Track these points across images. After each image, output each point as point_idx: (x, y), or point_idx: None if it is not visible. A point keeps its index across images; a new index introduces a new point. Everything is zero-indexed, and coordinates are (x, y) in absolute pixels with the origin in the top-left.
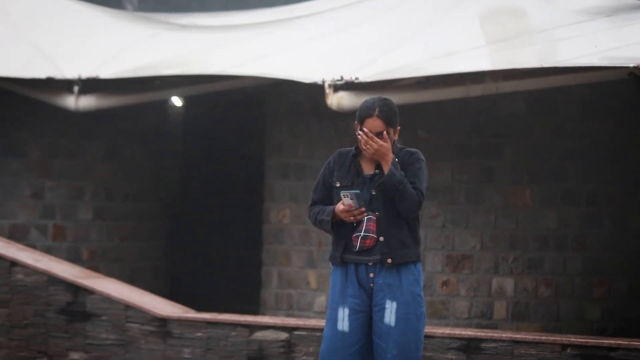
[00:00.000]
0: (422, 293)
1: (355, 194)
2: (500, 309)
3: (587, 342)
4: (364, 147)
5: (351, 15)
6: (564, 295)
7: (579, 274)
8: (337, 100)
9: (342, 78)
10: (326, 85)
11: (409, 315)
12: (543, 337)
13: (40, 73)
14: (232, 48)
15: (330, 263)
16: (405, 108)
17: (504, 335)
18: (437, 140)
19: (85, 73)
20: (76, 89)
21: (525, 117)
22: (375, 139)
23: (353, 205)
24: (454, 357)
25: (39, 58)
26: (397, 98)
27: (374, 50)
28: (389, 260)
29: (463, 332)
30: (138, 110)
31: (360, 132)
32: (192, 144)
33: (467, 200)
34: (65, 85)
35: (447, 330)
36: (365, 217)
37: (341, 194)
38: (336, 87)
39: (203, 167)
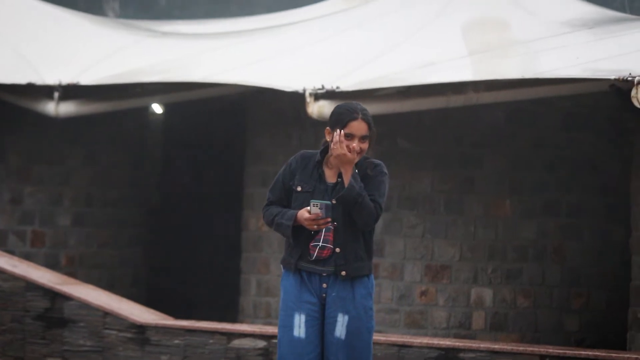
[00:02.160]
0: (373, 306)
1: (325, 204)
2: (478, 319)
3: (565, 353)
4: (333, 145)
5: (333, 24)
6: (542, 306)
7: (557, 285)
8: (318, 109)
9: (323, 87)
10: (307, 93)
11: (360, 329)
12: (521, 348)
13: (21, 79)
14: (213, 56)
15: (282, 267)
16: (386, 118)
17: (482, 345)
18: (417, 150)
19: (66, 79)
20: (56, 95)
21: (506, 128)
22: (344, 145)
23: (320, 214)
24: None
25: (20, 64)
26: (378, 107)
27: (355, 60)
28: (343, 273)
29: (441, 342)
30: (118, 117)
31: (338, 132)
32: (173, 152)
33: (447, 211)
34: (45, 91)
35: (425, 340)
36: (324, 228)
37: (311, 203)
38: (317, 96)
39: (183, 175)
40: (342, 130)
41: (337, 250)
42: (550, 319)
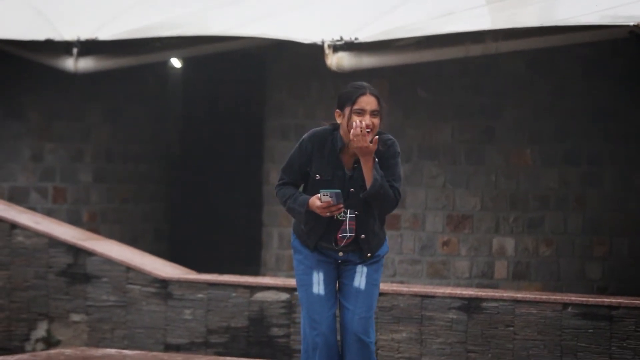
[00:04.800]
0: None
1: (336, 193)
2: (501, 269)
3: (588, 301)
4: (353, 137)
5: None
6: (564, 255)
7: (579, 233)
8: (337, 60)
9: (341, 38)
10: (326, 45)
11: (376, 281)
12: (544, 297)
13: (40, 35)
14: (231, 9)
15: (293, 233)
16: (405, 68)
17: (505, 294)
18: (437, 100)
19: (84, 35)
20: (75, 50)
21: (526, 77)
22: (366, 138)
23: (331, 202)
24: (455, 316)
25: (39, 20)
26: (396, 58)
27: (373, 11)
28: (369, 255)
29: (464, 292)
30: (138, 72)
31: (357, 123)
32: (192, 106)
33: (468, 161)
34: (64, 47)
35: (448, 290)
36: (348, 216)
37: (321, 192)
38: (336, 48)
39: (203, 129)
40: (360, 120)
41: (362, 236)
42: (572, 267)
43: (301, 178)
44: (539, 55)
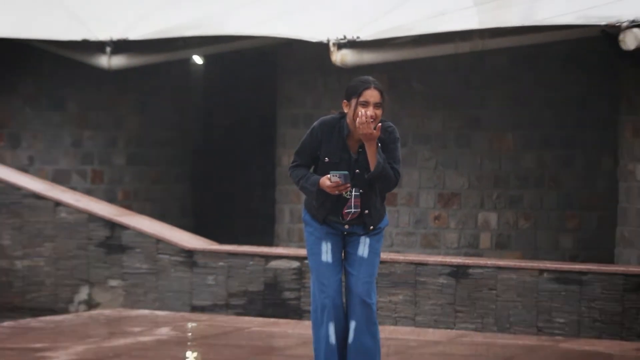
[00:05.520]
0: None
1: (344, 174)
2: (485, 240)
3: (561, 267)
4: (359, 125)
5: None
6: (541, 227)
7: (554, 208)
8: (341, 57)
9: (345, 37)
10: (331, 43)
11: (377, 250)
12: (523, 264)
13: (76, 36)
14: (246, 11)
15: (304, 208)
16: (401, 64)
17: (488, 262)
18: (429, 92)
19: (116, 35)
20: (108, 49)
21: (509, 71)
22: (371, 126)
23: (339, 182)
24: (445, 281)
25: (75, 22)
26: (394, 55)
27: (373, 12)
28: (372, 228)
29: (453, 260)
30: (164, 67)
31: (362, 112)
32: (212, 98)
33: (456, 145)
34: (98, 46)
35: (439, 259)
36: (353, 194)
37: (331, 173)
38: (340, 45)
39: (222, 118)
40: (365, 110)
41: (366, 212)
42: (548, 238)
43: (312, 160)
44: (521, 51)
